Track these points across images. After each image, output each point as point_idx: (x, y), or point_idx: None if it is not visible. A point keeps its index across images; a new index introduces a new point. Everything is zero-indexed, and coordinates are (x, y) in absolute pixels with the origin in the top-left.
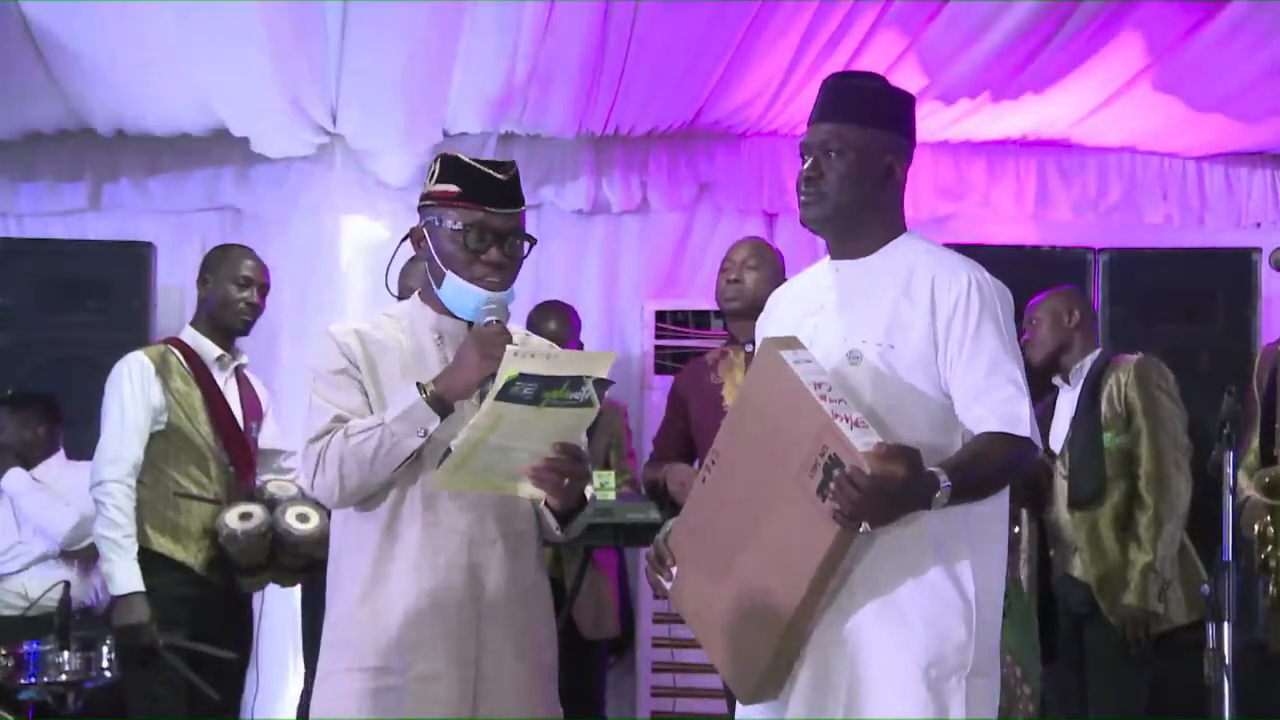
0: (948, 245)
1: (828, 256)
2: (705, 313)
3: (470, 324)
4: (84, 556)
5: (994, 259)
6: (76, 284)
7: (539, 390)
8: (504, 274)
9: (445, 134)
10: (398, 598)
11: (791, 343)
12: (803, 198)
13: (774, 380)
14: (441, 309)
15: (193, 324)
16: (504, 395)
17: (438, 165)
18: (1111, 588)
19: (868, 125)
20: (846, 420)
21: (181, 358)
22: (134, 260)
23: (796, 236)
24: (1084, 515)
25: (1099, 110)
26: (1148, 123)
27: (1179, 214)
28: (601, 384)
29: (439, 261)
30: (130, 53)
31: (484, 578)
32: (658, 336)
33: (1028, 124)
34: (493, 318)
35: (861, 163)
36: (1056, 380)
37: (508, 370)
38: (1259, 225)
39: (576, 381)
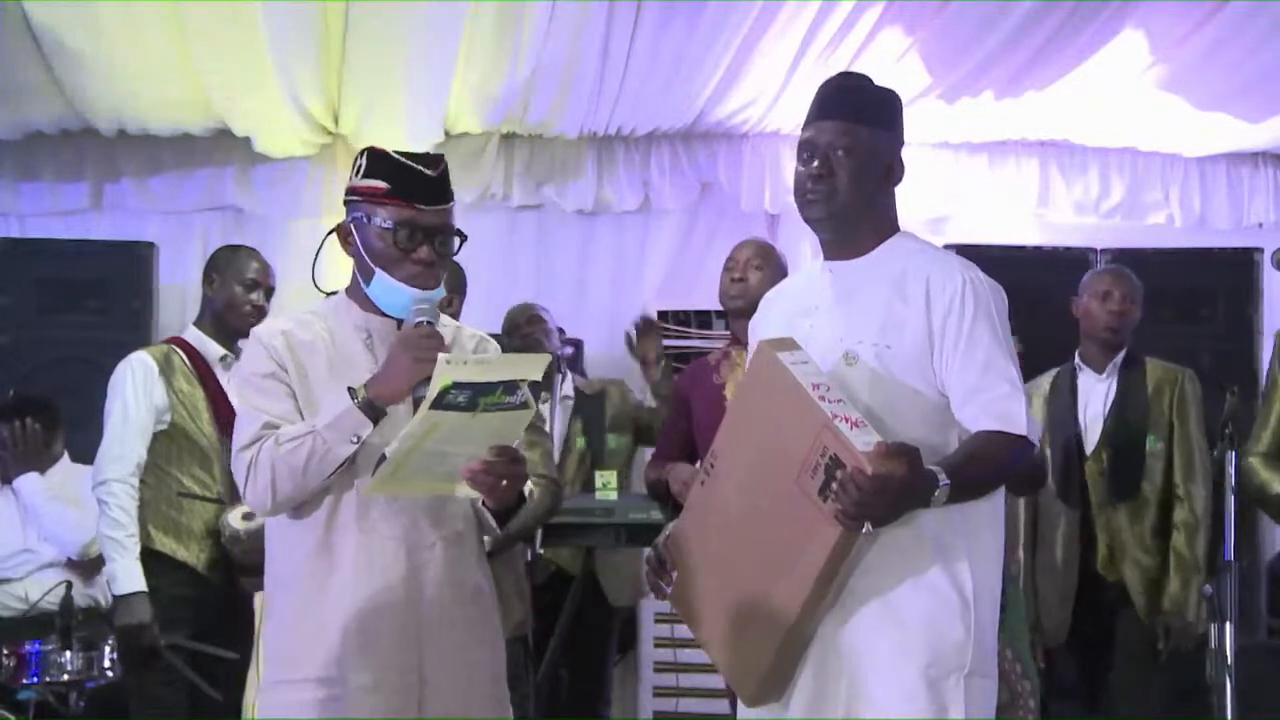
0: (948, 246)
1: (820, 258)
2: (707, 313)
3: (399, 321)
4: (87, 565)
5: (994, 259)
6: (77, 284)
7: (474, 396)
8: (435, 272)
9: (447, 134)
10: (337, 607)
11: (788, 344)
12: (809, 195)
13: (771, 382)
14: (368, 306)
15: (197, 324)
16: (439, 404)
17: (364, 159)
18: (1147, 590)
19: (873, 126)
20: (846, 420)
21: (185, 357)
22: (135, 260)
23: (799, 237)
24: (1119, 514)
25: (1100, 110)
26: (1149, 123)
27: (1180, 214)
28: (536, 386)
29: (368, 259)
30: (131, 53)
31: (423, 582)
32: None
33: (1029, 124)
34: (423, 318)
35: (869, 163)
36: (1078, 363)
37: (442, 380)
38: (1260, 225)
39: (511, 385)
